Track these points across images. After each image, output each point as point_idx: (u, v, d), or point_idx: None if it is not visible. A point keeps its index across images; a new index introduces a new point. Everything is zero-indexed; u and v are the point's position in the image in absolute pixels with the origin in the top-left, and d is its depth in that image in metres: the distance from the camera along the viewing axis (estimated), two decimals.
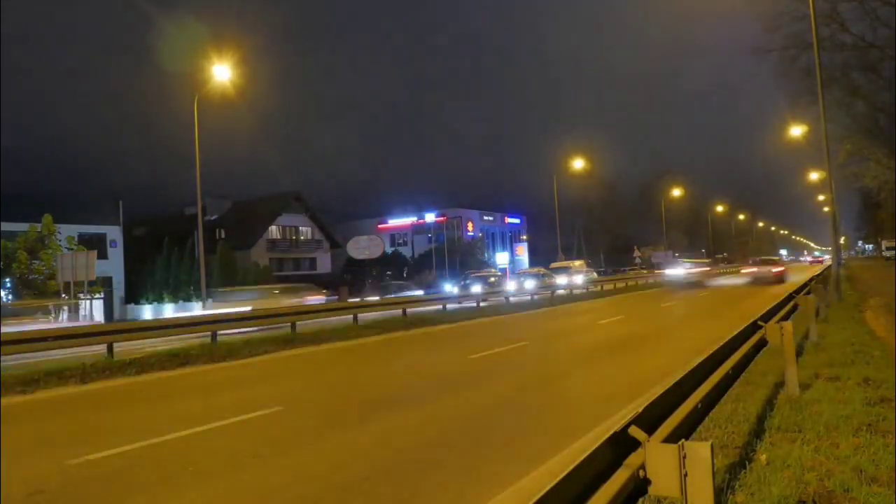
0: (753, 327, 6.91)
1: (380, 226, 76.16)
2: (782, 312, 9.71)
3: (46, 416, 8.78)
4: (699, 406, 4.00)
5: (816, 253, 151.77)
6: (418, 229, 72.75)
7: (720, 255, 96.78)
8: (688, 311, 22.62)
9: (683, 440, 2.82)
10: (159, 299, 48.51)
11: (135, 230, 52.34)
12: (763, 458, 4.70)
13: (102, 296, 42.81)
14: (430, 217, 69.55)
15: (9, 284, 35.66)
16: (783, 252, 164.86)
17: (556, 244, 53.52)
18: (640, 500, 2.82)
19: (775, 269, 37.47)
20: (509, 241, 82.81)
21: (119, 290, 47.31)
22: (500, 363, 11.73)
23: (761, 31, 27.43)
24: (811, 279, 18.11)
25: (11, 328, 17.55)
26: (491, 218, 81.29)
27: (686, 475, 2.70)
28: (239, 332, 17.80)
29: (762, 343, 6.79)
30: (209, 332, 15.85)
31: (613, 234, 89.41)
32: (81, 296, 29.54)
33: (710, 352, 5.02)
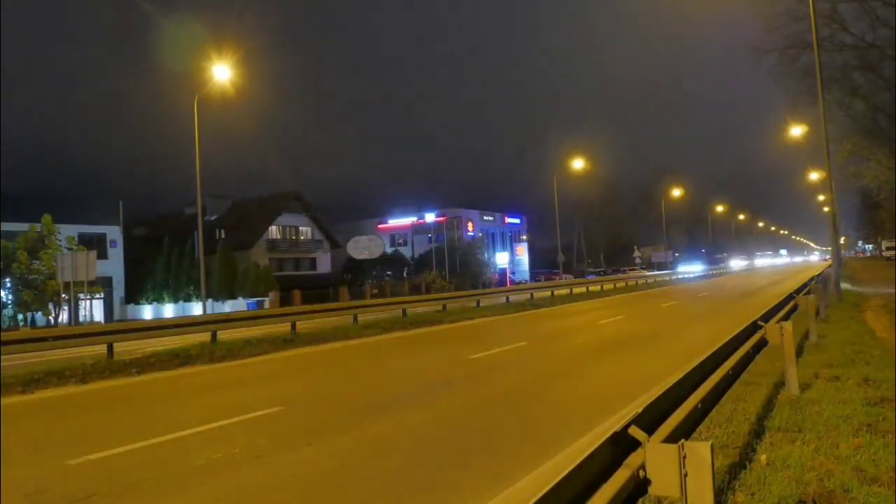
0: (753, 327, 6.91)
1: (380, 226, 76.10)
2: (782, 312, 9.71)
3: (46, 416, 8.78)
4: (699, 406, 4.00)
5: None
6: (418, 229, 72.69)
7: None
8: None
9: (683, 440, 2.82)
10: (159, 299, 48.53)
11: (135, 230, 52.31)
12: (763, 458, 4.70)
13: (102, 296, 42.83)
14: (430, 217, 69.47)
15: (9, 284, 35.66)
16: (783, 252, 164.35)
17: (555, 244, 53.46)
18: (640, 500, 2.82)
19: None
20: (509, 241, 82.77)
21: (119, 290, 47.31)
22: None
23: (761, 31, 27.40)
24: None
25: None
26: (491, 218, 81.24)
27: (686, 475, 2.70)
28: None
29: (762, 343, 6.79)
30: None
31: (613, 234, 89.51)
32: (81, 296, 29.50)
33: (711, 352, 5.02)
